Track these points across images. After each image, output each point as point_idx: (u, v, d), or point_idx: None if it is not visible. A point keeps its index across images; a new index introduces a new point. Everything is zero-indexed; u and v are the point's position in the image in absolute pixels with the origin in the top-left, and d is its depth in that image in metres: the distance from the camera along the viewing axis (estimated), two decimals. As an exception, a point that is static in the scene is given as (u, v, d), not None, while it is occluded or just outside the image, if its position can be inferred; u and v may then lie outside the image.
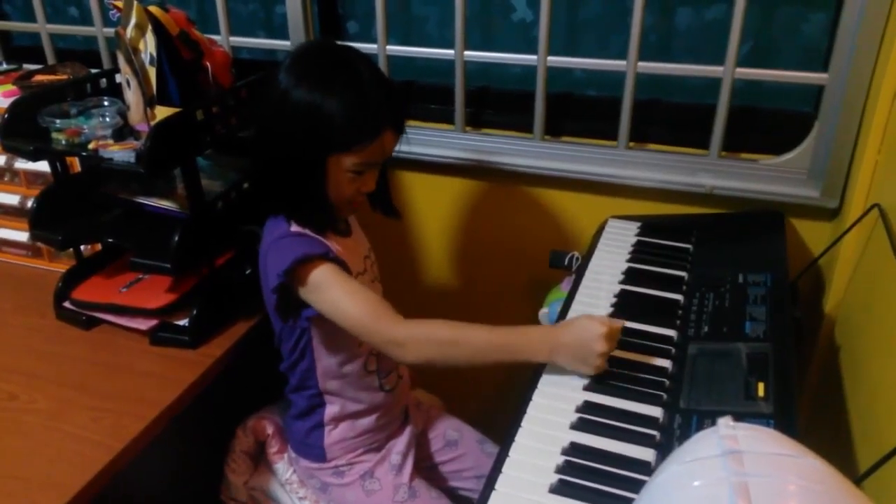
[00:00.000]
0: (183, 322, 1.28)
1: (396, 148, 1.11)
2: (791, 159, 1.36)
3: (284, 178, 1.07)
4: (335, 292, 1.04)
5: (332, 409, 1.19)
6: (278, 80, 1.03)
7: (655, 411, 0.98)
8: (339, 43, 1.11)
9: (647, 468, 0.89)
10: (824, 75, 1.28)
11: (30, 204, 1.33)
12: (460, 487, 1.34)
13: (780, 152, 1.38)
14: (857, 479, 0.87)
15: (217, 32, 1.67)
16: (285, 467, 1.28)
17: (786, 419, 0.91)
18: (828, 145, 1.30)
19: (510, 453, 0.93)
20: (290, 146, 1.04)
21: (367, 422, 1.21)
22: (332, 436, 1.20)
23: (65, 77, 1.51)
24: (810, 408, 1.37)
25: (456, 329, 1.04)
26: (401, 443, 1.26)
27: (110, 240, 1.32)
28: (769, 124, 1.47)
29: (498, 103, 1.64)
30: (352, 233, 1.19)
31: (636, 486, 0.86)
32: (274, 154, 1.07)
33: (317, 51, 1.08)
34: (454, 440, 1.34)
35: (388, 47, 1.56)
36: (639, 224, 1.45)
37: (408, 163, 1.62)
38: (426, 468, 1.32)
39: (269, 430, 1.29)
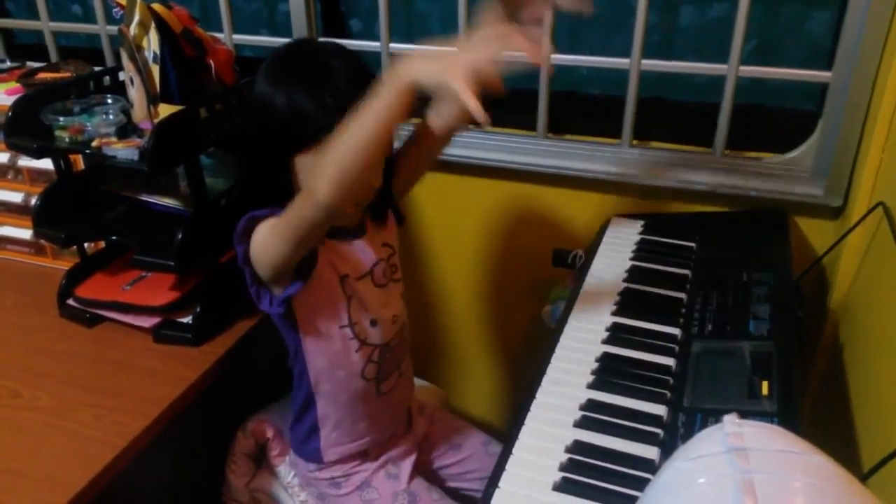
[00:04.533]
0: (186, 319, 1.28)
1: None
2: (795, 158, 1.36)
3: (262, 177, 1.05)
4: (265, 225, 1.00)
5: (324, 410, 1.16)
6: (255, 78, 1.04)
7: (659, 409, 0.98)
8: (321, 40, 1.09)
9: (650, 466, 0.89)
10: (828, 73, 1.28)
11: (33, 201, 1.33)
12: (464, 488, 1.33)
13: (783, 150, 1.37)
14: (862, 478, 0.87)
15: (220, 30, 1.67)
16: (287, 470, 1.28)
17: (789, 418, 0.91)
18: (832, 143, 1.30)
19: (514, 451, 0.93)
20: (259, 144, 1.03)
21: (364, 427, 1.19)
22: (329, 438, 1.19)
23: (68, 75, 1.51)
24: (814, 406, 1.37)
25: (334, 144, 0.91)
26: (398, 450, 1.24)
27: (113, 237, 1.32)
28: (773, 122, 1.47)
29: (501, 101, 1.63)
30: (366, 234, 1.14)
31: (640, 483, 0.86)
32: (250, 152, 1.06)
33: (291, 47, 1.06)
34: (458, 444, 1.33)
35: (391, 45, 1.56)
36: (642, 222, 1.44)
37: (411, 161, 1.62)
38: (429, 471, 1.31)
39: (270, 433, 1.28)
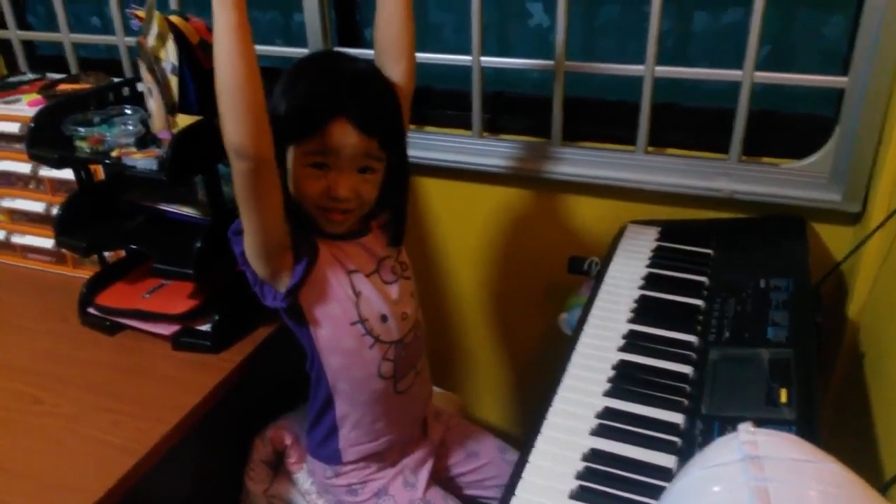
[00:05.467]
0: (205, 327, 1.29)
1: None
2: (812, 163, 1.35)
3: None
4: None
5: (343, 410, 1.17)
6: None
7: (677, 417, 0.98)
8: (340, 50, 1.13)
9: (668, 475, 0.89)
10: (844, 79, 1.27)
11: (55, 211, 1.35)
12: (481, 496, 1.33)
13: (800, 156, 1.37)
14: (883, 487, 0.86)
15: (237, 41, 1.68)
16: (304, 477, 1.29)
17: (808, 425, 0.90)
18: (849, 149, 1.29)
19: (530, 459, 0.93)
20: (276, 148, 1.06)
21: (382, 426, 1.19)
22: (348, 438, 1.19)
23: (88, 86, 1.53)
24: (833, 414, 1.36)
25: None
26: (415, 458, 1.24)
27: (133, 246, 1.34)
28: (789, 128, 1.46)
29: (515, 108, 1.64)
30: (370, 232, 1.16)
31: (657, 492, 0.86)
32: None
33: (312, 53, 1.13)
34: (475, 451, 1.33)
35: (407, 54, 1.56)
36: (658, 229, 1.44)
37: (425, 168, 1.63)
38: (446, 478, 1.31)
39: (288, 440, 1.29)
